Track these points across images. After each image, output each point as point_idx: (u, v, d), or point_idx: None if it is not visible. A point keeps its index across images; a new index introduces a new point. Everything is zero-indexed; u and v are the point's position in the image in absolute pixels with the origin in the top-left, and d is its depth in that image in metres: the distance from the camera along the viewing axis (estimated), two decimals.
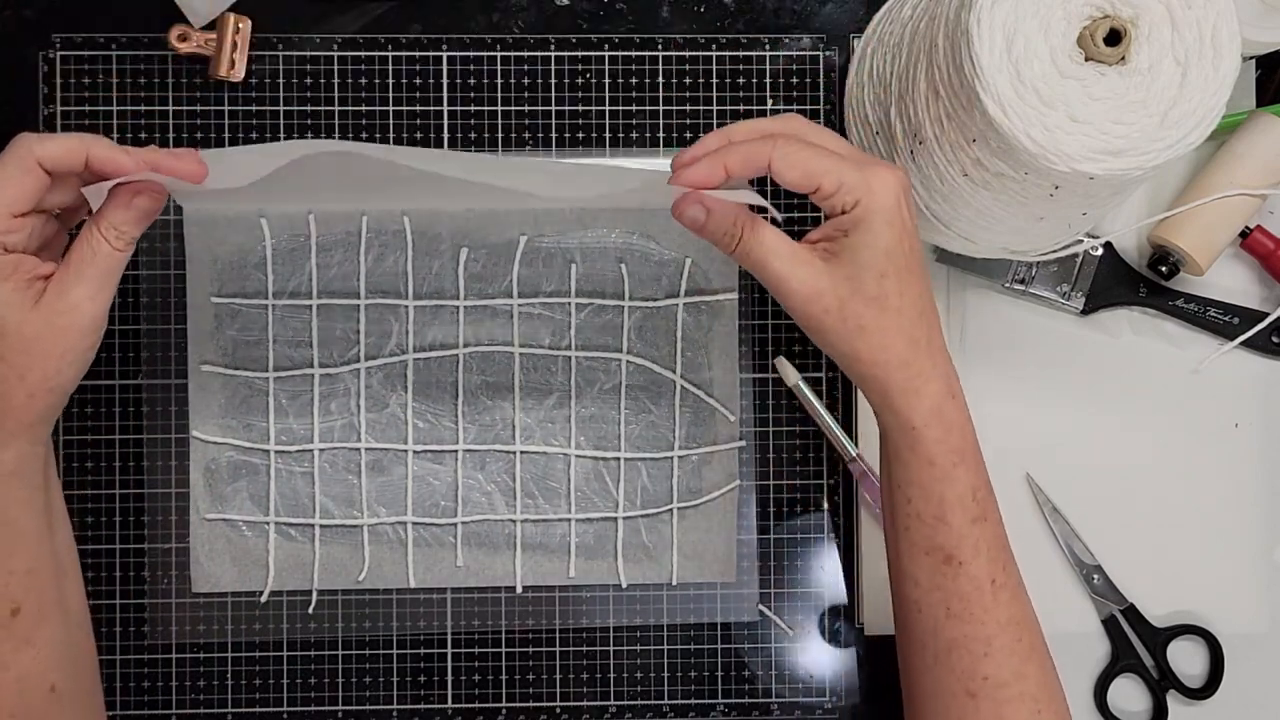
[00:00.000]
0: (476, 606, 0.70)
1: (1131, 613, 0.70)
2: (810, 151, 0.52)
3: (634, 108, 0.71)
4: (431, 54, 0.70)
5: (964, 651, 0.56)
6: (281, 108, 0.70)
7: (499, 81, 0.71)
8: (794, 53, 0.71)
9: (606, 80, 0.71)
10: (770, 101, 0.71)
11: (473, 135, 0.70)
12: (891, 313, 0.53)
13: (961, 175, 0.57)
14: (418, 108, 0.70)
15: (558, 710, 0.70)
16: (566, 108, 0.71)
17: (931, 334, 0.54)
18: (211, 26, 0.69)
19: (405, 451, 0.69)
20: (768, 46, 0.71)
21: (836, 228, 0.53)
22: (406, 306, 0.69)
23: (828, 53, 0.71)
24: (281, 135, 0.70)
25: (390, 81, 0.70)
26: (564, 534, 0.69)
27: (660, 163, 0.70)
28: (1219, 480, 0.71)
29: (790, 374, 0.70)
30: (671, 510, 0.69)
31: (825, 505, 0.71)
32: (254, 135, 0.70)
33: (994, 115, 0.51)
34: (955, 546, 0.55)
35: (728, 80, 0.71)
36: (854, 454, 0.70)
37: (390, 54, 0.70)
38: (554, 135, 0.71)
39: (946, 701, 0.56)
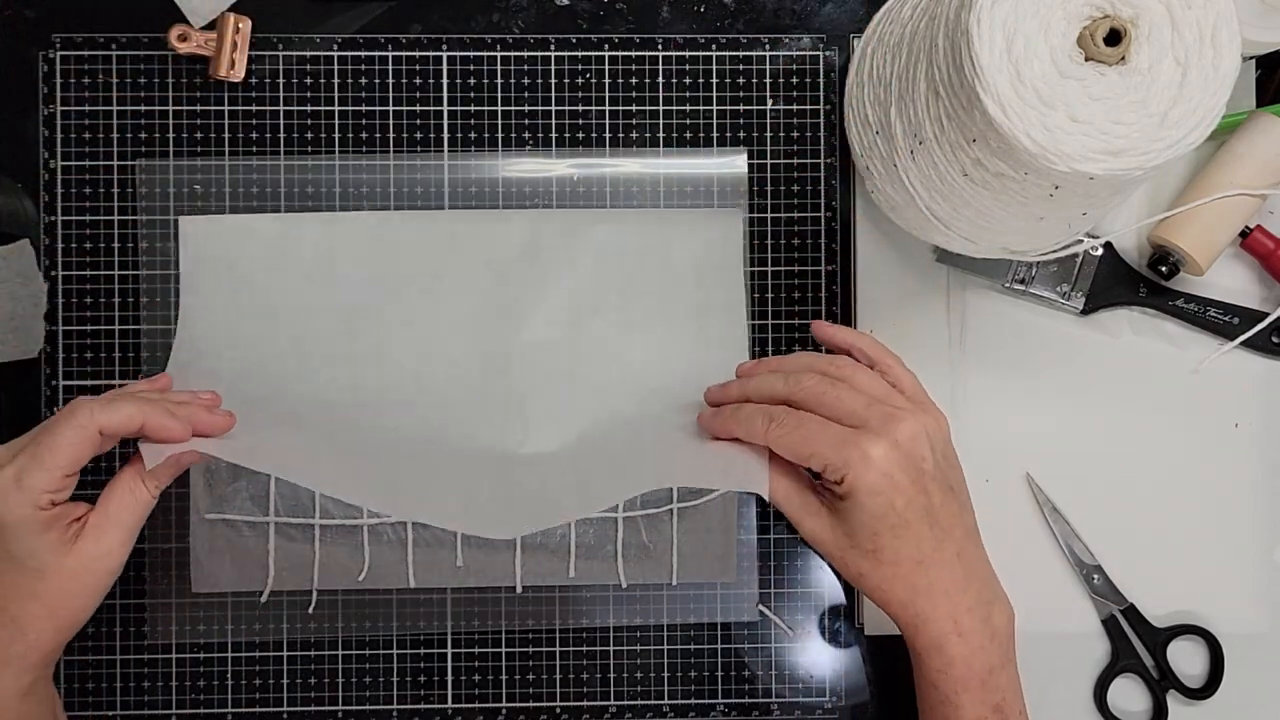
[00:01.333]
0: (476, 606, 0.70)
1: (1131, 613, 0.70)
2: (800, 435, 0.56)
3: (634, 108, 0.71)
4: (431, 54, 0.70)
5: None
6: (281, 108, 0.70)
7: (499, 81, 0.71)
8: (794, 53, 0.71)
9: (606, 80, 0.71)
10: (770, 101, 0.71)
11: (473, 135, 0.70)
12: (887, 565, 0.56)
13: (961, 175, 0.57)
14: (418, 108, 0.70)
15: (558, 710, 0.70)
16: (566, 108, 0.71)
17: (934, 580, 0.57)
18: (211, 26, 0.69)
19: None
20: (768, 46, 0.71)
21: (835, 492, 0.57)
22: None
23: (828, 53, 0.71)
24: (281, 135, 0.70)
25: (390, 81, 0.70)
26: (564, 534, 0.69)
27: (660, 162, 0.70)
28: (1219, 480, 0.71)
29: None
30: (672, 510, 0.69)
31: None
32: (254, 135, 0.70)
33: (994, 115, 0.51)
34: None
35: (728, 80, 0.71)
36: None
37: (390, 54, 0.70)
38: (554, 135, 0.71)
39: None
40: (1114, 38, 0.52)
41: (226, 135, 0.70)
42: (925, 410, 0.58)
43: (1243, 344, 0.70)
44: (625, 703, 0.70)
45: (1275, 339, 0.70)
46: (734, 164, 0.71)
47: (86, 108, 0.70)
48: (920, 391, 0.60)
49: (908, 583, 0.56)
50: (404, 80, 0.70)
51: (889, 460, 0.55)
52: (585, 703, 0.70)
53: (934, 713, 0.59)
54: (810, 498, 0.58)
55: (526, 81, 0.71)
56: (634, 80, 0.71)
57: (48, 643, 0.55)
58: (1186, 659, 0.71)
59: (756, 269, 0.71)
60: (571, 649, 0.70)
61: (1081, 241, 0.66)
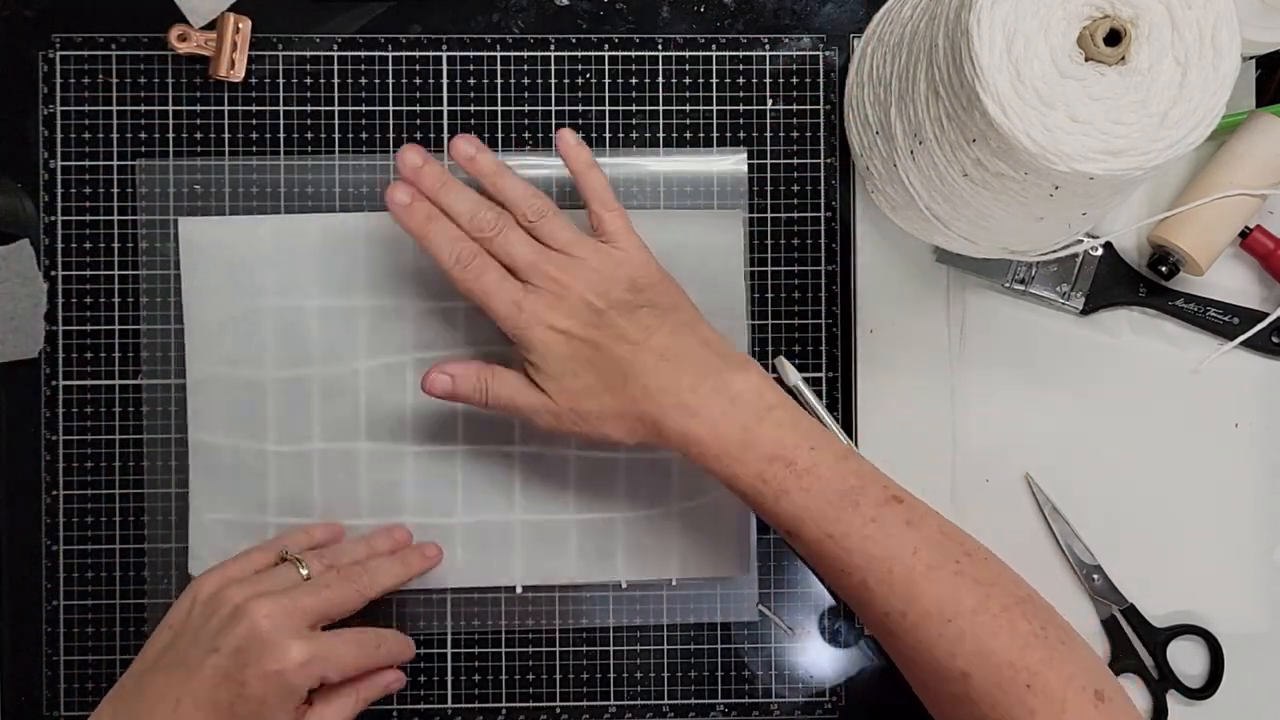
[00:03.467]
0: (476, 606, 0.70)
1: (1131, 613, 0.70)
2: (479, 287, 0.61)
3: (634, 108, 0.71)
4: (431, 54, 0.70)
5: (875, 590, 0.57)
6: (281, 108, 0.70)
7: (499, 81, 0.71)
8: (794, 53, 0.71)
9: (606, 80, 0.71)
10: (770, 101, 0.71)
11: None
12: (601, 396, 0.60)
13: (961, 175, 0.57)
14: (418, 108, 0.70)
15: (558, 710, 0.70)
16: (566, 108, 0.71)
17: (646, 384, 0.59)
18: (211, 26, 0.69)
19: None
20: (768, 46, 0.71)
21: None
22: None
23: (828, 53, 0.71)
24: (281, 135, 0.70)
25: (390, 81, 0.70)
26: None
27: (660, 162, 0.70)
28: (1219, 480, 0.71)
29: (790, 374, 0.70)
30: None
31: None
32: (254, 135, 0.70)
33: (994, 115, 0.51)
34: (790, 519, 0.58)
35: (728, 80, 0.71)
36: None
37: (390, 54, 0.70)
38: (554, 135, 0.70)
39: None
40: (1114, 38, 0.52)
41: (226, 135, 0.70)
42: (603, 252, 0.61)
43: (1243, 344, 0.70)
44: (625, 703, 0.70)
45: (1275, 339, 0.70)
46: (734, 164, 0.71)
47: (86, 108, 0.70)
48: (621, 229, 0.62)
49: (626, 398, 0.59)
50: (404, 80, 0.70)
51: (555, 315, 0.60)
52: (585, 703, 0.70)
53: (738, 496, 0.59)
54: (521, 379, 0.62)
55: (526, 81, 0.71)
56: (634, 80, 0.71)
57: None
58: (1186, 659, 0.71)
59: (756, 269, 0.71)
60: (571, 649, 0.70)
61: (1081, 241, 0.66)
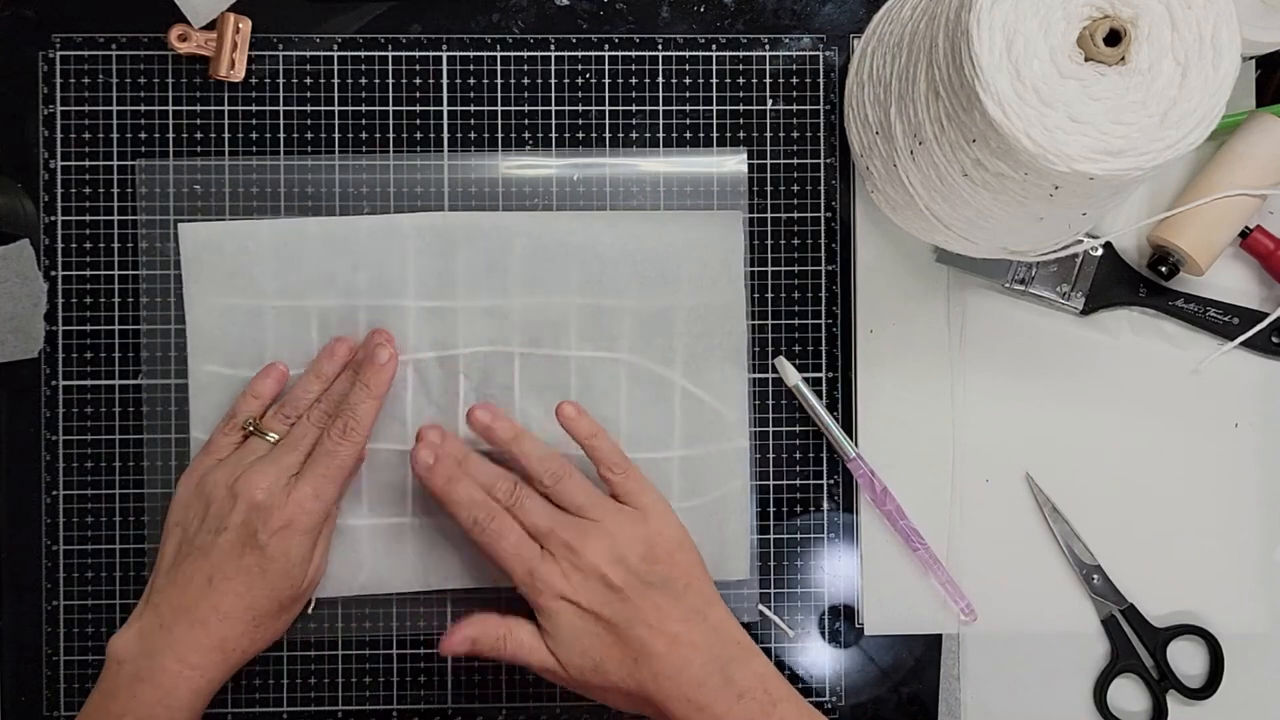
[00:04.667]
0: (476, 607, 0.70)
1: (1131, 613, 0.70)
2: (497, 549, 0.63)
3: (634, 108, 0.71)
4: (431, 54, 0.70)
5: None
6: (281, 108, 0.70)
7: (499, 81, 0.71)
8: (794, 53, 0.71)
9: (606, 80, 0.71)
10: (770, 101, 0.71)
11: (473, 135, 0.70)
12: (606, 674, 0.61)
13: (961, 175, 0.57)
14: (418, 108, 0.70)
15: (557, 710, 0.70)
16: (566, 108, 0.71)
17: (656, 670, 0.60)
18: (211, 26, 0.69)
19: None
20: (768, 46, 0.71)
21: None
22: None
23: (828, 53, 0.71)
24: (281, 135, 0.70)
25: (390, 81, 0.70)
26: None
27: (660, 162, 0.70)
28: (1219, 480, 0.71)
29: (790, 374, 0.70)
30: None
31: (825, 505, 0.71)
32: (254, 135, 0.70)
33: (994, 115, 0.51)
34: None
35: (728, 80, 0.71)
36: (854, 454, 0.70)
37: (390, 54, 0.70)
38: (554, 135, 0.71)
39: None
40: (1114, 38, 0.52)
41: (226, 135, 0.70)
42: (621, 513, 0.63)
43: (1243, 344, 0.70)
44: None
45: (1275, 339, 0.70)
46: (734, 164, 0.71)
47: (86, 108, 0.70)
48: (635, 489, 0.64)
49: (634, 681, 0.61)
50: (404, 80, 0.70)
51: (568, 586, 0.61)
52: (585, 702, 0.70)
53: None
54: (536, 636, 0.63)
55: (526, 81, 0.71)
56: (634, 80, 0.71)
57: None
58: (1186, 659, 0.71)
59: (756, 269, 0.71)
60: None
61: (1081, 241, 0.66)
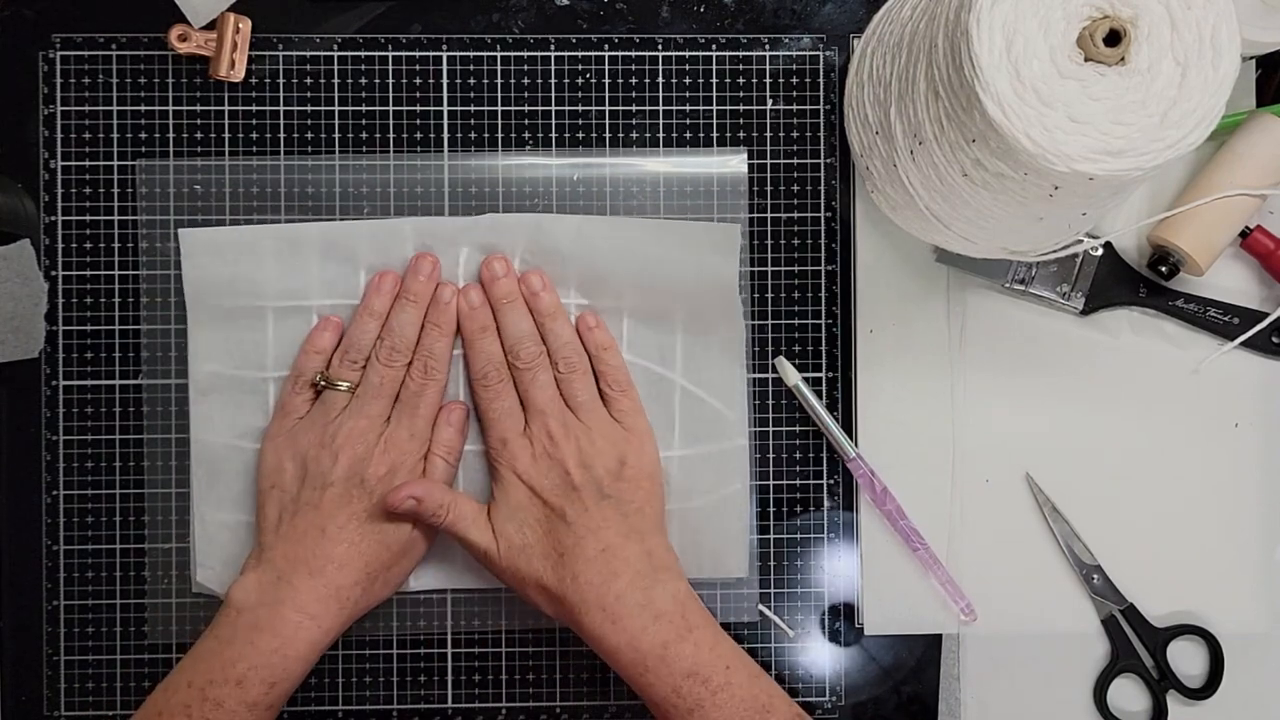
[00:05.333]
0: (476, 606, 0.70)
1: (1131, 613, 0.70)
2: (494, 407, 0.66)
3: (634, 108, 0.71)
4: (431, 54, 0.70)
5: None
6: (281, 108, 0.70)
7: (499, 81, 0.71)
8: (794, 53, 0.71)
9: (606, 80, 0.71)
10: (770, 101, 0.71)
11: (473, 135, 0.70)
12: (535, 556, 0.64)
13: (961, 175, 0.57)
14: (418, 108, 0.70)
15: (558, 710, 0.70)
16: (566, 108, 0.71)
17: (577, 571, 0.62)
18: (211, 26, 0.69)
19: None
20: (768, 46, 0.71)
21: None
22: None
23: (828, 53, 0.71)
24: (281, 135, 0.70)
25: (390, 81, 0.70)
26: None
27: (660, 162, 0.70)
28: (1219, 480, 0.71)
29: (790, 374, 0.70)
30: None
31: (825, 505, 0.71)
32: (254, 135, 0.70)
33: (993, 115, 0.51)
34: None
35: (728, 80, 0.71)
36: (854, 454, 0.70)
37: (390, 54, 0.70)
38: (554, 135, 0.71)
39: None
40: (1113, 38, 0.52)
41: (226, 135, 0.70)
42: (610, 425, 0.66)
43: (1243, 344, 0.70)
44: (625, 702, 0.70)
45: (1275, 339, 0.70)
46: (734, 164, 0.71)
47: (86, 108, 0.70)
48: (629, 410, 0.67)
49: (554, 577, 0.62)
50: (404, 80, 0.70)
51: (532, 468, 0.64)
52: (585, 702, 0.70)
53: (647, 703, 0.62)
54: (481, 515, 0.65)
55: (526, 81, 0.71)
56: (634, 80, 0.71)
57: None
58: (1186, 659, 0.71)
59: (756, 269, 0.71)
60: (571, 649, 0.70)
61: (1081, 241, 0.66)
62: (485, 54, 0.71)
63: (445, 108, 0.70)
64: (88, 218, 0.70)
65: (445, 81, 0.71)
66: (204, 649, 0.62)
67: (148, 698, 0.62)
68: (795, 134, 0.71)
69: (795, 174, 0.71)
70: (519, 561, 0.63)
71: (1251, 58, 0.70)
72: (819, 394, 0.71)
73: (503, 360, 0.67)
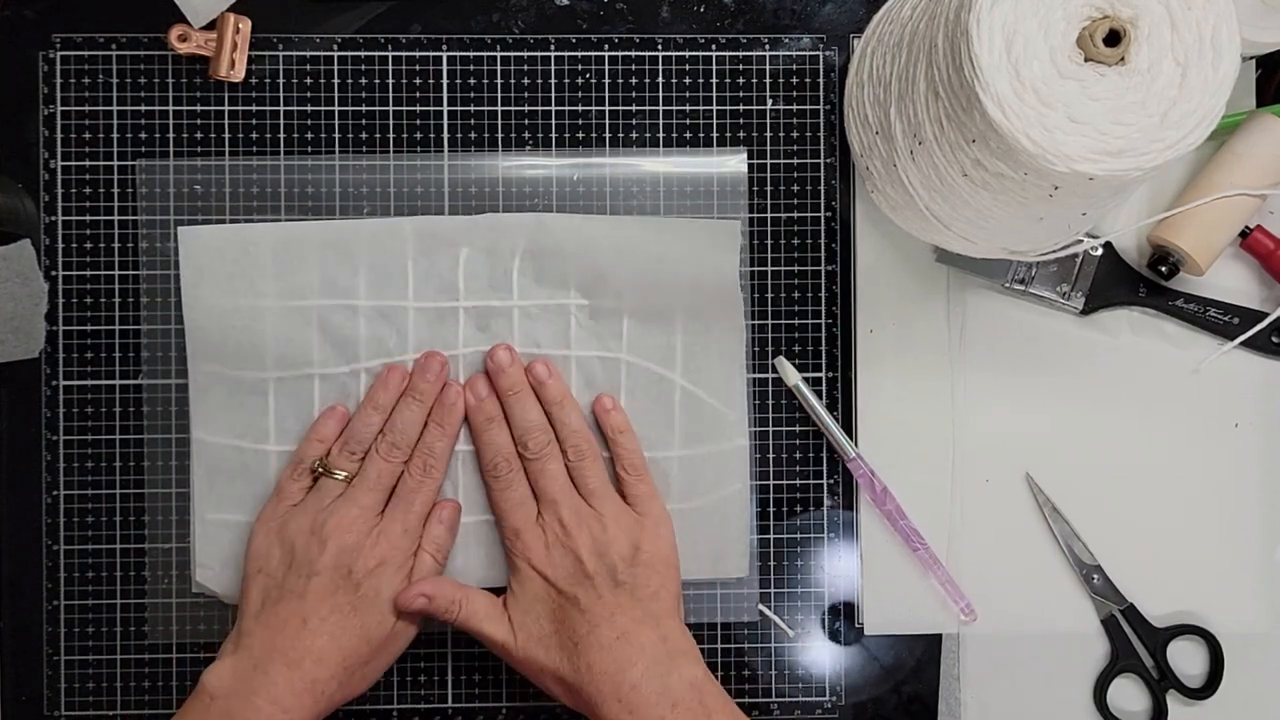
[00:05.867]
0: None
1: (1131, 613, 0.70)
2: (504, 496, 0.66)
3: (634, 108, 0.71)
4: (431, 54, 0.70)
5: None
6: (281, 108, 0.70)
7: (499, 81, 0.71)
8: (794, 53, 0.71)
9: (606, 80, 0.71)
10: (770, 101, 0.71)
11: (473, 135, 0.70)
12: (552, 647, 0.64)
13: (961, 175, 0.57)
14: (418, 108, 0.70)
15: (557, 710, 0.70)
16: (566, 108, 0.71)
17: (591, 662, 0.62)
18: (211, 26, 0.69)
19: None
20: (767, 46, 0.71)
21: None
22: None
23: (827, 53, 0.71)
24: (281, 135, 0.70)
25: (390, 81, 0.70)
26: None
27: (660, 162, 0.70)
28: (1219, 480, 0.71)
29: (790, 374, 0.70)
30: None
31: (825, 505, 0.71)
32: (254, 135, 0.70)
33: (993, 116, 0.51)
34: None
35: (727, 80, 0.71)
36: (854, 454, 0.70)
37: (390, 54, 0.70)
38: (554, 135, 0.71)
39: None
40: (1113, 38, 0.52)
41: (226, 135, 0.70)
42: (624, 512, 0.66)
43: (1243, 344, 0.70)
44: None
45: (1275, 339, 0.70)
46: (734, 164, 0.71)
47: (86, 108, 0.70)
48: (644, 495, 0.67)
49: (570, 667, 0.62)
50: (404, 80, 0.70)
51: (545, 558, 0.64)
52: None
53: None
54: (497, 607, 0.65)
55: (526, 81, 0.71)
56: (634, 80, 0.71)
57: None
58: (1186, 659, 0.71)
59: (756, 269, 0.71)
60: None
61: (1081, 241, 0.66)
62: (485, 54, 0.71)
63: (445, 108, 0.70)
64: (88, 218, 0.70)
65: (445, 81, 0.71)
66: None
67: None
68: (795, 134, 0.71)
69: (795, 174, 0.71)
70: (536, 652, 0.63)
71: (1251, 58, 0.70)
72: (819, 394, 0.71)
73: (512, 451, 0.67)
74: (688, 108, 0.71)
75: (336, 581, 0.63)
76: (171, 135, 0.70)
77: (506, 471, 0.66)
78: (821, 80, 0.71)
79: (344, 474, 0.66)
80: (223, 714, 0.60)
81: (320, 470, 0.66)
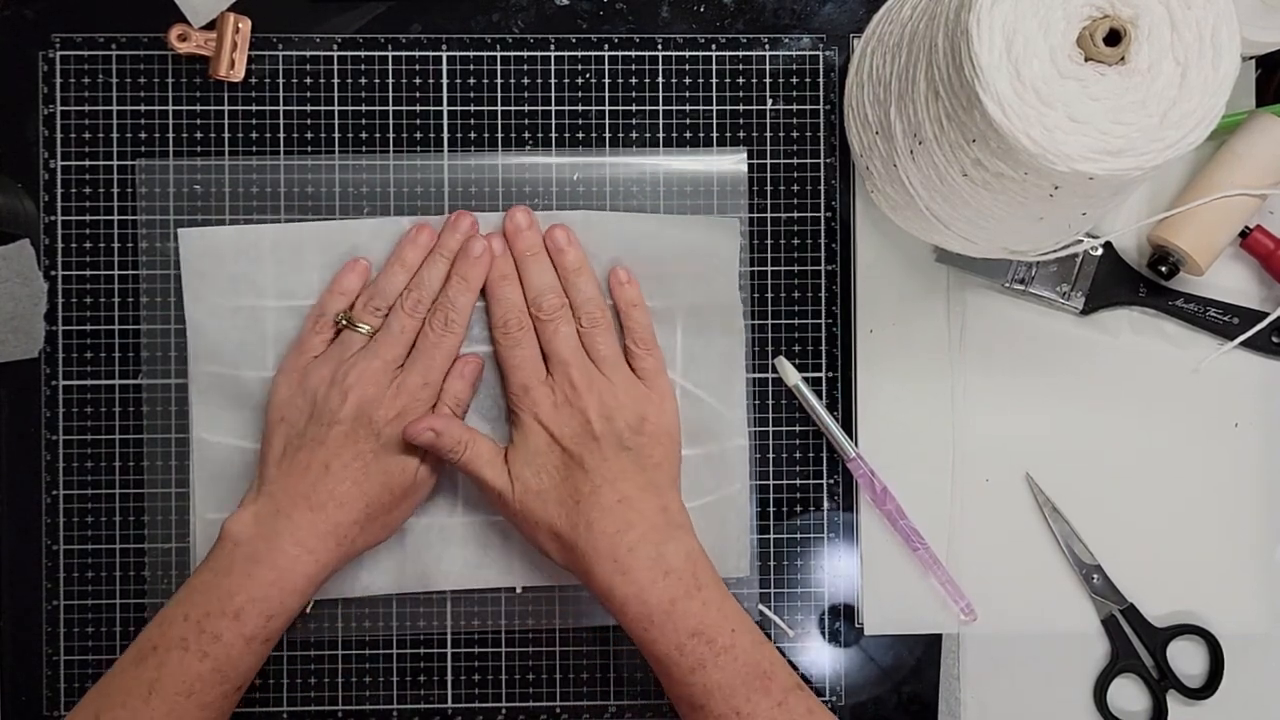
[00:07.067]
0: (476, 606, 0.70)
1: (1131, 613, 0.70)
2: (512, 354, 0.66)
3: (634, 108, 0.71)
4: (431, 54, 0.70)
5: None
6: (281, 108, 0.70)
7: (499, 81, 0.71)
8: (794, 53, 0.71)
9: (606, 80, 0.71)
10: (770, 101, 0.71)
11: (473, 135, 0.70)
12: (550, 501, 0.64)
13: (961, 175, 0.57)
14: (418, 108, 0.70)
15: (558, 710, 0.70)
16: (566, 108, 0.71)
17: (591, 519, 0.62)
18: (211, 26, 0.69)
19: None
20: (767, 46, 0.71)
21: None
22: None
23: (827, 53, 0.71)
24: (281, 135, 0.70)
25: (390, 81, 0.70)
26: None
27: (660, 162, 0.70)
28: (1219, 480, 0.71)
29: (790, 374, 0.70)
30: None
31: (825, 505, 0.71)
32: (254, 135, 0.70)
33: (993, 115, 0.51)
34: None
35: (727, 80, 0.71)
36: (854, 454, 0.70)
37: (390, 54, 0.70)
38: (554, 135, 0.71)
39: None
40: (1114, 38, 0.52)
41: (226, 135, 0.70)
42: (633, 383, 0.66)
43: (1243, 344, 0.70)
44: (625, 702, 0.70)
45: (1275, 339, 0.70)
46: (734, 164, 0.71)
47: (86, 108, 0.70)
48: (653, 369, 0.67)
49: (568, 523, 0.62)
50: (404, 80, 0.70)
51: (553, 415, 0.64)
52: (585, 702, 0.70)
53: (648, 659, 0.61)
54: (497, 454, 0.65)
55: (526, 81, 0.71)
56: (634, 80, 0.71)
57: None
58: (1186, 659, 0.71)
59: (756, 269, 0.71)
60: (571, 649, 0.70)
61: (1081, 241, 0.66)
62: (485, 54, 0.71)
63: (445, 107, 0.70)
64: (88, 218, 0.70)
65: (445, 81, 0.71)
66: (199, 582, 0.61)
67: (139, 634, 0.61)
68: (795, 134, 0.71)
69: (795, 174, 0.71)
70: (533, 505, 0.63)
71: (1251, 58, 0.70)
72: (819, 394, 0.71)
73: (524, 308, 0.66)
74: (688, 107, 0.71)
75: (358, 430, 0.63)
76: (171, 135, 0.70)
77: (517, 329, 0.66)
78: (821, 80, 0.71)
79: (367, 328, 0.66)
80: (247, 559, 0.61)
81: (344, 323, 0.66)
